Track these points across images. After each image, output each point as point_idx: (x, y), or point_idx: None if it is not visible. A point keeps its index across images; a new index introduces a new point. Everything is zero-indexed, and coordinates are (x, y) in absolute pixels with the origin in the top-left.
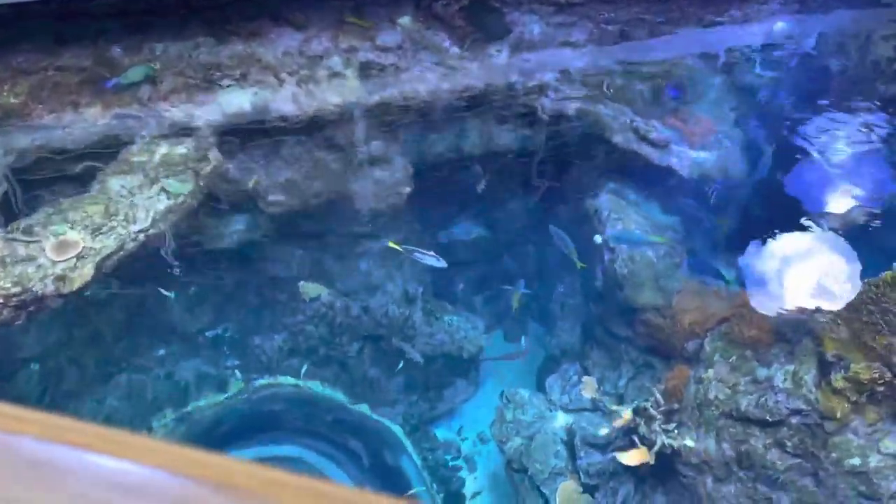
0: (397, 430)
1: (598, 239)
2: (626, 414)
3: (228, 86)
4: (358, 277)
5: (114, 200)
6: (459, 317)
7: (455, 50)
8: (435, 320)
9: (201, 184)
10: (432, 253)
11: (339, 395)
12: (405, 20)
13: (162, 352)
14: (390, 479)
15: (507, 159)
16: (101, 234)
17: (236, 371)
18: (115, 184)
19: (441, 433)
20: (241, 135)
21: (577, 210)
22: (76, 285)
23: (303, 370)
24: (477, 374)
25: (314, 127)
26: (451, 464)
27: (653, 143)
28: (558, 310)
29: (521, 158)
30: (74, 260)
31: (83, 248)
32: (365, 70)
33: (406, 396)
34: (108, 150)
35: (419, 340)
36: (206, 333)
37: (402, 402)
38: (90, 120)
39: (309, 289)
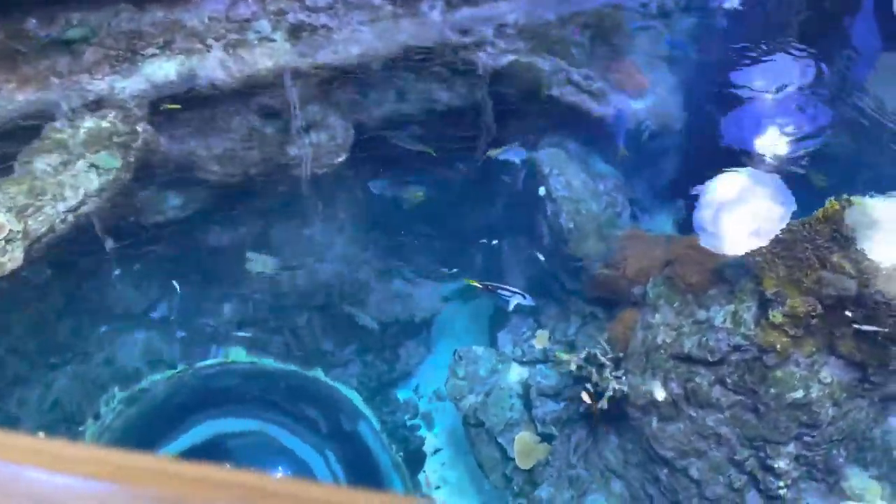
0: (354, 395)
1: (542, 191)
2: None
3: (153, 55)
4: (303, 246)
5: (39, 180)
6: (410, 280)
7: (388, 7)
8: (386, 286)
9: (132, 158)
10: (518, 290)
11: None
12: None
13: (104, 328)
14: (350, 445)
15: (448, 118)
16: (26, 216)
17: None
18: (40, 162)
19: (400, 394)
20: (171, 105)
21: (517, 164)
22: (6, 270)
23: None
24: (430, 335)
25: (247, 94)
26: (409, 423)
27: (590, 94)
28: (507, 265)
29: (461, 116)
30: (2, 244)
31: (9, 231)
32: (295, 32)
33: (361, 361)
34: (29, 127)
35: (371, 306)
36: (153, 313)
37: (356, 367)
38: (7, 97)
39: (256, 260)
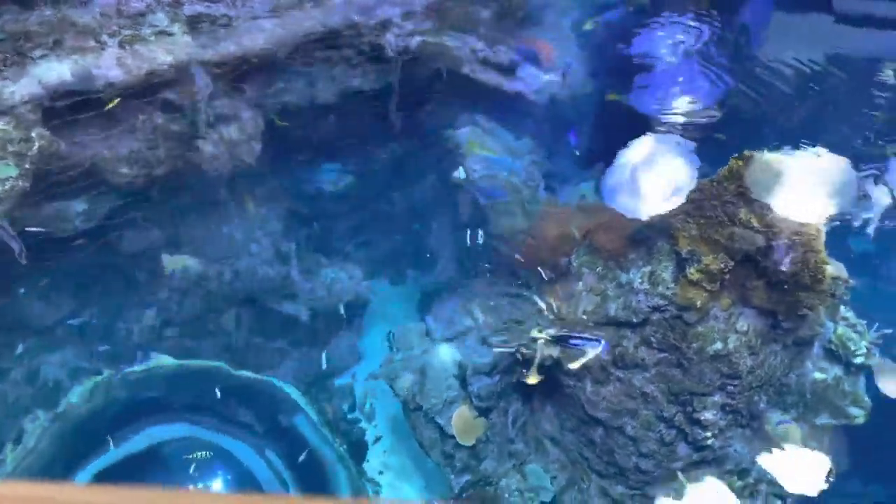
0: (291, 390)
1: (461, 172)
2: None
3: (43, 56)
4: (223, 243)
5: None
6: (338, 269)
7: None
8: (313, 276)
9: (28, 166)
10: (589, 335)
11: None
12: None
13: (20, 349)
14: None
15: (362, 102)
16: None
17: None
18: None
19: (336, 383)
20: (68, 107)
21: (436, 145)
22: None
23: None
24: (361, 322)
25: (149, 90)
26: (349, 416)
27: (501, 71)
28: (434, 247)
29: (376, 100)
30: None
31: None
32: (194, 24)
33: (295, 354)
34: None
35: (300, 298)
36: (69, 322)
37: (292, 360)
38: None
39: (172, 262)
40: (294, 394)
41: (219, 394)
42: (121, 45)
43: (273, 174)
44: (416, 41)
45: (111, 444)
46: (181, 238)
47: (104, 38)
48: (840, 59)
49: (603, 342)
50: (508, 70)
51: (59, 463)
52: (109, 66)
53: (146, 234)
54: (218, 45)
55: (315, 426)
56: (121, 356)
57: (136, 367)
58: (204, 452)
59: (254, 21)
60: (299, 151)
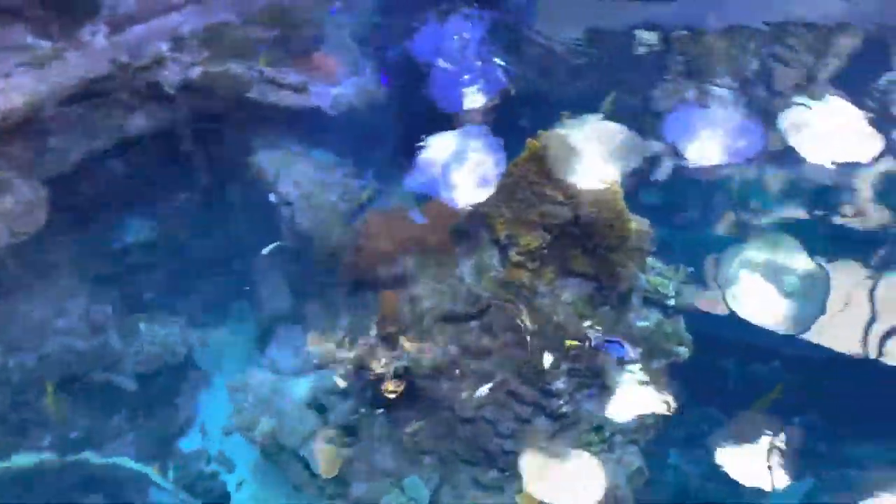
0: (135, 464)
1: (272, 197)
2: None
3: None
4: (22, 325)
5: None
6: (161, 324)
7: (44, 43)
8: (135, 338)
9: None
10: (616, 339)
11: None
12: None
13: None
14: None
15: (152, 144)
16: None
17: None
18: None
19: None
20: None
21: (241, 176)
22: None
23: None
24: (199, 373)
25: None
26: (207, 473)
27: (292, 90)
28: (260, 280)
29: (167, 139)
30: None
31: None
32: None
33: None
34: None
35: (126, 364)
36: None
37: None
38: None
39: None
40: (140, 467)
41: (54, 485)
42: None
43: (70, 239)
44: (196, 72)
45: None
46: None
47: None
48: (601, 32)
49: (625, 345)
50: (299, 89)
51: None
52: None
53: None
54: None
55: (170, 493)
56: None
57: None
58: None
59: (6, 79)
60: (94, 208)
